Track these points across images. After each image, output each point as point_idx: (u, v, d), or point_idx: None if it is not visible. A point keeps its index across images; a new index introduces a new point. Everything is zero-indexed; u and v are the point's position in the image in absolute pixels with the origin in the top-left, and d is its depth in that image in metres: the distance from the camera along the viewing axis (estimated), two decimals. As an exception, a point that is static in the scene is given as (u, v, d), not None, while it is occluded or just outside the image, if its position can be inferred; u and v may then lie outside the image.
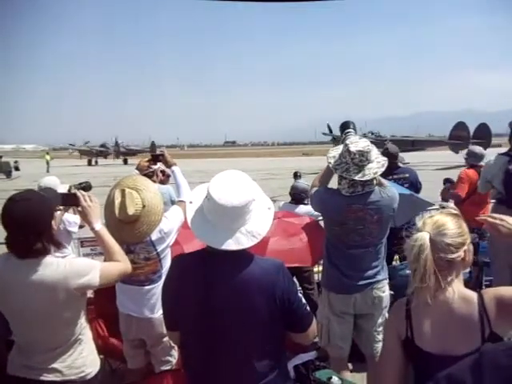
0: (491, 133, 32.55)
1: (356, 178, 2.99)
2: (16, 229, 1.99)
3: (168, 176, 4.76)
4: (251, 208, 1.75)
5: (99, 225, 2.30)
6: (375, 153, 3.11)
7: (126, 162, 53.11)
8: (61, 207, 2.32)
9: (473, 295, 1.62)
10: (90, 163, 53.14)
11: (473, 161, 5.75)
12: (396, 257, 5.25)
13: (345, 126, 3.38)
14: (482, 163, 5.48)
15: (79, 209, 2.33)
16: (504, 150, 4.62)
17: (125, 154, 55.21)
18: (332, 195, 3.18)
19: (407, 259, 1.68)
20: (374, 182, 3.09)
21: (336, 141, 37.12)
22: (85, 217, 2.31)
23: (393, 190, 3.19)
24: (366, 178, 2.99)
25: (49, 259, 2.05)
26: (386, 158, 3.17)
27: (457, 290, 1.63)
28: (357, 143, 3.04)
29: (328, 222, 3.21)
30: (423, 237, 1.61)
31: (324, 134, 53.41)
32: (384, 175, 4.64)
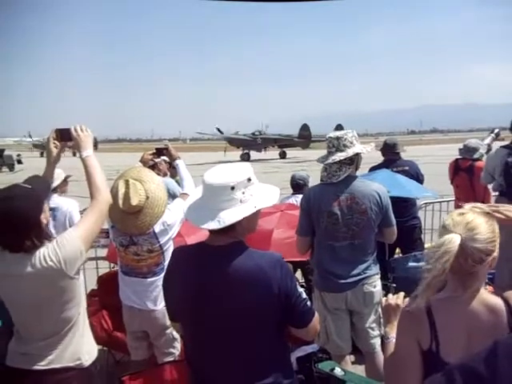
0: (311, 134, 41.39)
1: (317, 160, 3.22)
2: (3, 228, 1.94)
3: (175, 168, 4.74)
4: (235, 196, 1.70)
5: (88, 152, 2.24)
6: (352, 148, 3.08)
7: (74, 154, 57.05)
8: (58, 143, 2.29)
9: (499, 303, 1.52)
10: (42, 155, 54.22)
11: (463, 153, 6.11)
12: (398, 250, 5.24)
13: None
14: (475, 156, 5.84)
15: (73, 142, 2.28)
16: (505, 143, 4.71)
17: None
18: (318, 188, 3.27)
19: (427, 256, 1.52)
20: (341, 173, 3.08)
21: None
22: (76, 146, 2.27)
23: (382, 187, 3.23)
24: (324, 161, 3.12)
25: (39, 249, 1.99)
26: (358, 152, 3.11)
27: (482, 298, 1.53)
28: (334, 132, 3.20)
29: (317, 215, 3.15)
30: (453, 240, 1.46)
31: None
32: (384, 168, 4.70)
